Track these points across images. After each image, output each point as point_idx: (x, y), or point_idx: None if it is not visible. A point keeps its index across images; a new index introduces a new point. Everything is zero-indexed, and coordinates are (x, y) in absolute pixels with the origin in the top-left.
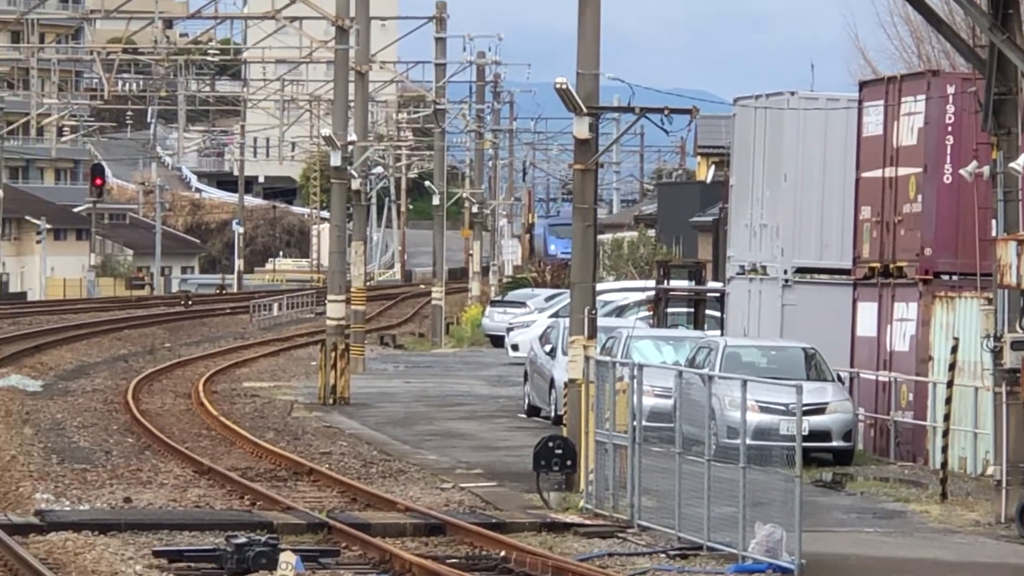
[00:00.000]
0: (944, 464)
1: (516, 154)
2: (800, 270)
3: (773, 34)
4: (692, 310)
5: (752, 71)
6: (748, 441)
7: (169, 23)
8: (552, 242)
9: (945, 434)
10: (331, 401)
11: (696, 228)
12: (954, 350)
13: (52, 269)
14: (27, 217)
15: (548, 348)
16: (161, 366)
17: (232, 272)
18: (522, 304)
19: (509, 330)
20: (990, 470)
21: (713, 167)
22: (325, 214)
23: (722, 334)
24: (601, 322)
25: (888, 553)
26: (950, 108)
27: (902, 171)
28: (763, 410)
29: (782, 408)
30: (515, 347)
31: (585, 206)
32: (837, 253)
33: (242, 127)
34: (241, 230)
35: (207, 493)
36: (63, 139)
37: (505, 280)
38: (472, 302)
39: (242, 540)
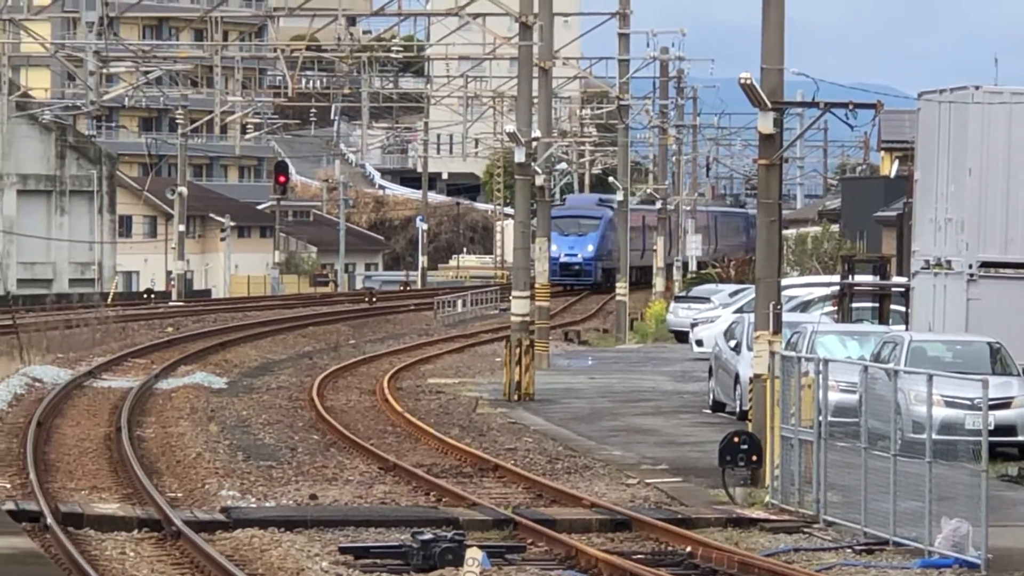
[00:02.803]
0: None
1: (699, 149)
2: (985, 264)
3: (955, 27)
4: (877, 305)
5: (934, 65)
6: (934, 436)
7: (352, 20)
8: (554, 240)
9: None
10: (516, 397)
11: (880, 223)
12: None
13: (236, 266)
14: (211, 215)
15: (733, 343)
16: (346, 363)
17: (416, 269)
18: (706, 300)
19: (693, 326)
20: None
21: (897, 162)
22: (509, 210)
23: (907, 329)
24: (786, 317)
25: None
26: None
27: None
28: (948, 405)
29: (968, 403)
30: (699, 343)
31: (770, 201)
32: (1022, 247)
33: (425, 124)
34: (425, 227)
35: (392, 490)
36: (247, 137)
37: (689, 276)
38: (656, 298)
39: (428, 536)
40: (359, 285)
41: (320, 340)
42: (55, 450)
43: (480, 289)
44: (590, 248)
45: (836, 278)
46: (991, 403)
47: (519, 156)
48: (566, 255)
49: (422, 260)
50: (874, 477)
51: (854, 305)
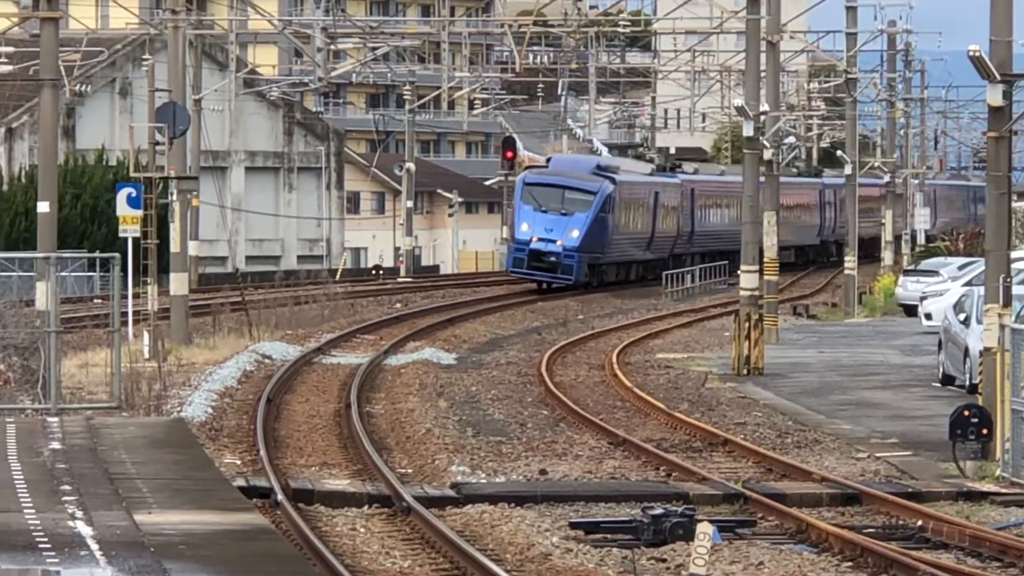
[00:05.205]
0: None
1: (927, 123)
2: None
3: None
4: None
5: None
6: None
7: None
8: (525, 217)
9: None
10: (745, 371)
11: None
12: None
13: (464, 242)
14: (439, 191)
15: (962, 317)
16: (574, 338)
17: None
18: (935, 273)
19: (922, 299)
20: None
21: None
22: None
23: None
24: (1016, 290)
25: None
26: None
27: None
28: None
29: None
30: (928, 316)
31: (1000, 174)
32: None
33: (653, 98)
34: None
35: (622, 464)
36: (474, 112)
37: (918, 249)
38: (884, 271)
39: (658, 511)
40: None
41: (548, 315)
42: (285, 426)
43: (709, 263)
44: (575, 233)
45: None
46: None
47: (747, 130)
48: (540, 239)
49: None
50: None
51: None
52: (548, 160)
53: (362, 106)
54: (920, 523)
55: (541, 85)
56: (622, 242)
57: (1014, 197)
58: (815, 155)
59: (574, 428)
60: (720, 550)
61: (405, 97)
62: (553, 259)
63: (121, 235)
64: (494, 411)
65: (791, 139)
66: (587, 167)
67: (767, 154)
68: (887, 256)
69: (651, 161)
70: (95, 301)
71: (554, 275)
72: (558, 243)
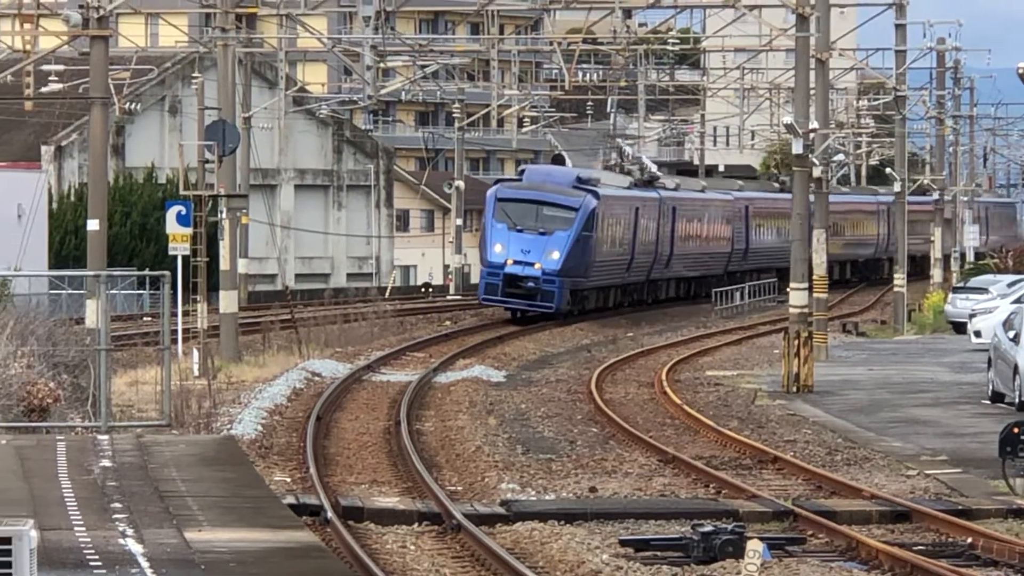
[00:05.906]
0: None
1: (976, 140)
2: None
3: None
4: None
5: None
6: None
7: (628, 13)
8: (498, 237)
9: None
10: (794, 389)
11: None
12: None
13: None
14: None
15: (1011, 334)
16: (624, 355)
17: None
18: (984, 290)
19: (971, 316)
20: None
21: None
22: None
23: None
24: None
25: None
26: None
27: None
28: None
29: None
30: (978, 333)
31: None
32: None
33: (702, 116)
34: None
35: (672, 482)
36: (523, 130)
37: (967, 266)
38: (934, 289)
39: (708, 528)
40: None
41: (598, 333)
42: (334, 444)
43: (758, 281)
44: (555, 255)
45: None
46: None
47: (797, 148)
48: (515, 262)
49: None
50: None
51: None
52: (522, 172)
53: (411, 124)
54: (970, 540)
55: (590, 103)
56: (605, 264)
57: None
58: (864, 172)
59: (624, 445)
60: (770, 567)
61: (454, 115)
62: (531, 284)
63: (171, 253)
64: (544, 429)
65: (840, 156)
66: (566, 180)
67: (816, 171)
68: (936, 273)
69: (628, 174)
70: (145, 319)
71: (532, 303)
72: (536, 266)
